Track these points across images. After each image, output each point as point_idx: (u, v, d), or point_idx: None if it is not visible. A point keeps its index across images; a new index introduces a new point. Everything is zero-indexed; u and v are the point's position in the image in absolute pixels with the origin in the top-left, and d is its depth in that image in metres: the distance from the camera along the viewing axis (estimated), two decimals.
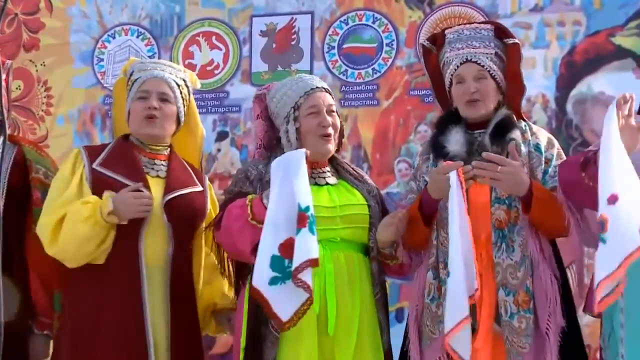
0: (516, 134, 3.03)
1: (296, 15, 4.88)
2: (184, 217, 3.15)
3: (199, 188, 3.26)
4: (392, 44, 4.78)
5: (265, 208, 2.81)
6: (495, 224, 2.95)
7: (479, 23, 3.24)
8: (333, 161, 3.16)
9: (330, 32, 4.86)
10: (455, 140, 3.06)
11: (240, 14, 4.97)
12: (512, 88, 3.14)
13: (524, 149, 3.02)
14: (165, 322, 3.09)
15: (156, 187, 3.15)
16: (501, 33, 3.15)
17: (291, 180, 2.78)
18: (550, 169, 3.00)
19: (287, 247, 2.73)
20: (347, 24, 4.86)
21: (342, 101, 4.76)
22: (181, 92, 3.26)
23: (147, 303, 3.03)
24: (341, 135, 3.19)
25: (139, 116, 3.20)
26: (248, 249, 2.86)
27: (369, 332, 2.96)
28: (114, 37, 5.17)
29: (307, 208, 2.73)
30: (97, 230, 2.99)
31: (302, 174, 2.79)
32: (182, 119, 3.29)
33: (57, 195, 3.10)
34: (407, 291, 3.76)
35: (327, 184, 3.07)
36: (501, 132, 3.02)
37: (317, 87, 3.10)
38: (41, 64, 5.19)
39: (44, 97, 5.16)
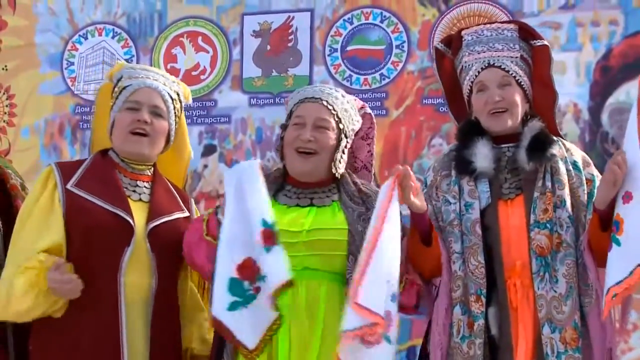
0: (556, 150, 3.02)
1: (294, 13, 4.89)
2: (169, 246, 3.13)
3: (185, 213, 3.25)
4: (403, 46, 4.78)
5: (219, 224, 2.89)
6: (536, 251, 2.91)
7: (501, 23, 3.24)
8: (338, 181, 3.13)
9: (332, 33, 4.86)
10: (483, 155, 3.03)
11: (230, 11, 4.99)
12: (541, 96, 3.13)
13: (562, 166, 3.00)
14: None
15: (139, 213, 3.13)
16: (526, 34, 3.15)
17: (247, 195, 2.82)
18: (595, 192, 2.97)
19: (246, 269, 2.75)
20: (351, 23, 4.85)
21: None
22: (174, 107, 3.25)
23: (126, 343, 3.01)
24: (332, 157, 3.09)
25: (125, 130, 3.17)
26: (205, 264, 2.96)
27: None
28: (86, 38, 5.18)
29: (274, 224, 2.77)
30: (41, 299, 2.99)
31: (260, 187, 2.82)
32: (172, 137, 3.29)
33: (20, 228, 3.10)
34: (419, 328, 3.71)
35: (311, 204, 3.06)
36: (539, 147, 3.01)
37: (314, 98, 3.10)
38: (3, 68, 5.20)
39: (6, 105, 5.16)
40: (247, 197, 2.82)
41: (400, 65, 4.72)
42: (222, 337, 2.87)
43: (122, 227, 3.04)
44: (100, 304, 3.00)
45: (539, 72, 3.13)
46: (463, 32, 3.17)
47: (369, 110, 3.23)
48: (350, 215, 3.02)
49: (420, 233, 3.00)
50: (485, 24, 3.31)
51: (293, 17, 4.85)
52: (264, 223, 2.77)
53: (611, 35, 4.49)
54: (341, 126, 3.09)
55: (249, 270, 2.74)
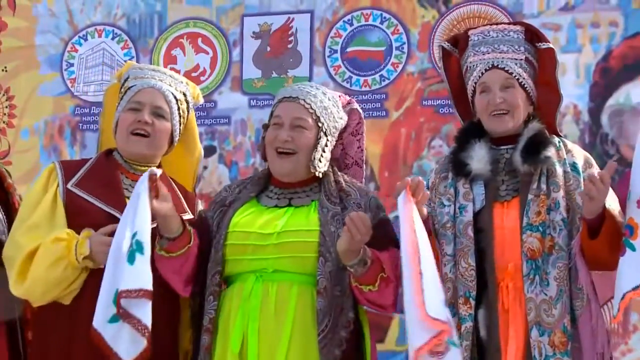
0: (551, 152, 3.01)
1: (294, 15, 4.87)
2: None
3: (189, 215, 3.20)
4: (403, 48, 4.76)
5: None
6: (527, 254, 2.91)
7: (507, 24, 3.23)
8: (323, 179, 3.10)
9: (332, 34, 4.85)
10: (479, 157, 3.03)
11: (230, 13, 4.97)
12: (545, 99, 3.12)
13: (559, 168, 2.99)
14: None
15: None
16: (533, 36, 3.13)
17: (135, 204, 2.84)
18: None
19: None
20: (351, 24, 4.84)
21: None
22: (179, 108, 3.24)
23: None
24: (310, 154, 3.07)
25: (126, 130, 3.17)
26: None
27: None
28: (86, 39, 5.14)
29: (135, 234, 2.77)
30: (69, 273, 2.99)
31: (142, 196, 2.83)
32: (176, 139, 3.27)
33: (26, 217, 3.09)
34: None
35: (289, 205, 3.04)
36: (534, 149, 3.00)
37: (291, 97, 3.09)
38: (3, 69, 5.18)
39: (6, 106, 5.14)
40: (133, 208, 2.83)
41: (400, 66, 4.71)
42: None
43: None
44: (93, 308, 2.93)
45: (544, 74, 3.12)
46: (470, 32, 3.17)
47: (355, 106, 3.22)
48: (323, 216, 3.00)
49: None
50: (492, 24, 3.31)
51: (293, 19, 4.84)
52: (133, 235, 2.78)
53: (611, 36, 4.47)
54: (320, 124, 3.07)
55: None
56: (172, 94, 3.21)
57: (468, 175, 3.00)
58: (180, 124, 3.25)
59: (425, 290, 2.68)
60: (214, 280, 2.95)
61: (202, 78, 4.92)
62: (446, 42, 3.24)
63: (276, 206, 3.03)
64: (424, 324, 2.65)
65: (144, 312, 2.71)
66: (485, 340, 2.91)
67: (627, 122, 4.41)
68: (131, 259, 2.74)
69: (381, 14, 4.77)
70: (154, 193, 2.87)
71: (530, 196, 2.93)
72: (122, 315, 2.70)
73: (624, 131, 4.41)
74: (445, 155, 3.23)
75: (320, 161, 3.07)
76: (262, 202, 3.05)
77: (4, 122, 5.09)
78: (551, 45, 3.11)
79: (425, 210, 2.88)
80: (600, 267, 2.91)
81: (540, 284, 2.87)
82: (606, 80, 4.45)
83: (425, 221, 2.91)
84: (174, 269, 2.94)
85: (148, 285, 2.73)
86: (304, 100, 3.07)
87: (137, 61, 4.93)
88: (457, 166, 3.04)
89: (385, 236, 3.01)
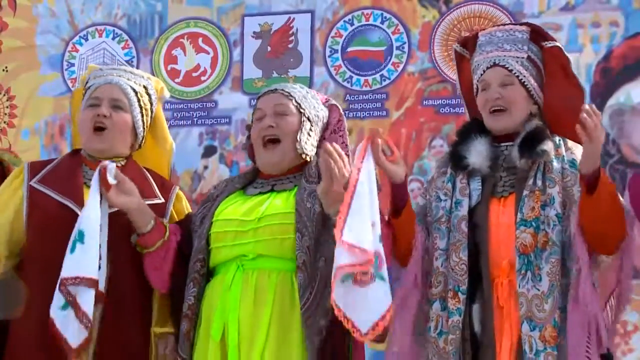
0: (548, 146, 2.98)
1: (294, 15, 4.87)
2: (125, 234, 3.07)
3: (158, 200, 3.20)
4: (403, 47, 4.76)
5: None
6: (519, 249, 2.90)
7: (514, 24, 3.23)
8: (306, 166, 3.11)
9: (332, 34, 4.85)
10: (477, 152, 3.02)
11: (231, 13, 4.96)
12: (567, 95, 3.07)
13: (556, 164, 2.96)
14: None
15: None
16: (538, 36, 3.12)
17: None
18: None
19: None
20: (352, 24, 4.84)
21: (347, 112, 4.67)
22: (139, 100, 3.23)
23: None
24: (296, 140, 3.07)
25: (87, 126, 3.17)
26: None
27: (281, 349, 2.91)
28: (86, 39, 5.15)
29: (79, 225, 2.89)
30: None
31: (92, 189, 2.94)
32: (140, 131, 3.26)
33: None
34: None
35: (271, 190, 3.05)
36: (531, 144, 2.99)
37: (270, 91, 3.10)
38: (3, 70, 5.17)
39: (7, 106, 5.13)
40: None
41: (401, 66, 4.71)
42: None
43: (70, 217, 3.01)
44: (47, 297, 2.94)
45: (555, 72, 3.09)
46: (479, 34, 3.16)
47: (334, 102, 3.22)
48: (299, 196, 3.00)
49: (392, 203, 2.99)
50: (500, 25, 3.28)
51: (293, 19, 4.84)
52: (78, 225, 2.88)
53: (611, 36, 4.47)
54: (302, 110, 3.07)
55: None
56: (131, 87, 3.21)
57: (465, 168, 3.00)
58: (143, 116, 3.25)
59: (349, 219, 2.71)
60: (194, 267, 2.96)
61: (202, 78, 4.93)
62: (457, 45, 3.24)
63: (259, 193, 3.04)
64: (343, 249, 2.69)
65: (86, 299, 2.82)
66: (480, 335, 2.91)
67: (627, 121, 4.41)
68: (73, 248, 2.85)
69: (382, 14, 4.77)
70: (104, 184, 2.93)
71: (525, 192, 2.92)
72: (69, 302, 2.81)
73: (624, 131, 4.40)
74: (445, 153, 3.22)
75: (307, 143, 3.07)
76: (248, 193, 3.06)
77: (4, 122, 5.08)
78: (557, 43, 3.11)
79: (399, 170, 2.93)
80: (600, 243, 2.86)
81: (532, 279, 2.87)
82: (607, 80, 4.45)
83: (403, 189, 2.98)
84: (154, 265, 2.99)
85: (87, 272, 2.83)
86: (282, 90, 3.09)
87: (138, 61, 4.99)
88: (455, 159, 3.05)
89: None
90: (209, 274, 3.01)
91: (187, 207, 3.30)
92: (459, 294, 2.90)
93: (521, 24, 3.22)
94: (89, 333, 2.84)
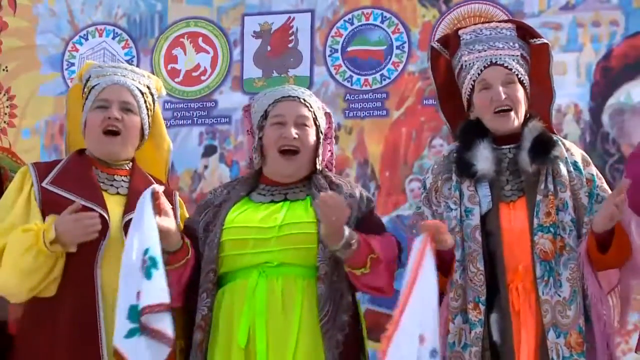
0: (559, 151, 3.00)
1: (294, 14, 4.85)
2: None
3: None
4: (403, 47, 4.75)
5: None
6: (540, 255, 2.91)
7: (498, 22, 3.24)
8: (311, 178, 3.13)
9: (332, 33, 4.84)
10: (483, 157, 3.01)
11: (231, 12, 4.95)
12: (538, 95, 3.11)
13: (563, 168, 2.98)
14: None
15: (115, 206, 3.12)
16: (525, 33, 3.13)
17: (140, 221, 2.88)
18: (595, 192, 2.96)
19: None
20: (352, 23, 4.83)
21: (347, 111, 4.73)
22: (145, 101, 3.25)
23: (104, 337, 2.98)
24: (316, 154, 3.12)
25: (97, 129, 3.17)
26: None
27: (311, 355, 2.92)
28: (86, 39, 5.13)
29: (147, 250, 2.82)
30: (41, 261, 2.97)
31: (147, 213, 2.88)
32: (147, 132, 3.28)
33: (1, 219, 3.08)
34: None
35: (285, 199, 3.06)
36: (542, 149, 2.99)
37: (290, 96, 3.09)
38: (3, 69, 5.15)
39: (7, 106, 5.12)
40: (142, 224, 2.88)
41: (401, 65, 4.70)
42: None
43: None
44: (78, 298, 3.00)
45: (538, 70, 3.11)
46: (460, 32, 3.16)
47: (327, 110, 3.24)
48: (318, 208, 2.99)
49: (442, 263, 2.89)
50: (482, 22, 3.30)
51: (293, 18, 4.82)
52: (145, 251, 2.83)
53: (612, 35, 4.46)
54: (317, 123, 3.11)
55: None
56: (137, 87, 3.22)
57: (473, 175, 2.99)
58: (148, 117, 3.26)
59: (393, 341, 2.67)
60: (207, 278, 2.97)
61: (202, 78, 4.92)
62: (436, 42, 3.23)
63: (272, 201, 3.04)
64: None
65: (165, 323, 2.77)
66: (499, 345, 2.91)
67: (628, 121, 4.40)
68: (148, 274, 2.80)
69: (382, 13, 4.76)
70: (158, 209, 2.91)
71: (539, 197, 2.93)
72: (143, 329, 2.75)
73: (624, 130, 4.40)
74: (444, 155, 3.19)
75: (320, 157, 3.12)
76: (255, 200, 3.06)
77: (4, 122, 5.07)
78: (545, 41, 3.12)
79: (451, 239, 2.87)
80: (605, 269, 2.96)
81: (554, 286, 2.89)
82: (607, 79, 4.44)
83: (451, 251, 2.91)
84: (172, 281, 2.95)
85: (167, 298, 2.79)
86: (304, 99, 3.10)
87: (138, 61, 4.97)
88: (463, 167, 3.03)
89: (376, 224, 3.08)
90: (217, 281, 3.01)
91: (186, 214, 3.32)
92: (480, 305, 2.90)
93: (505, 21, 3.24)
94: (171, 349, 2.80)
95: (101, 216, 3.03)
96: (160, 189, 2.95)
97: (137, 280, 2.80)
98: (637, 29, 4.45)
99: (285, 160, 3.05)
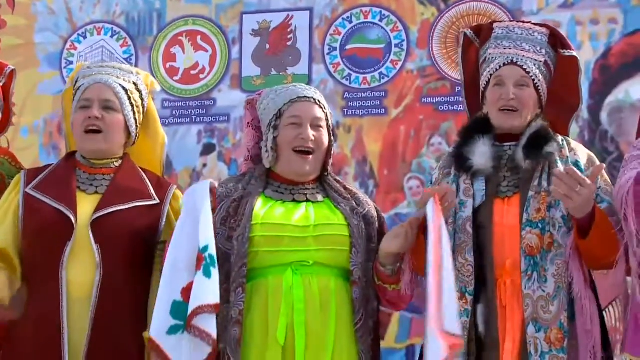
0: (553, 148, 2.99)
1: (293, 12, 4.88)
2: (119, 237, 3.06)
3: (152, 202, 3.18)
4: (402, 45, 4.77)
5: None
6: (525, 250, 2.89)
7: (534, 24, 3.17)
8: (321, 179, 3.15)
9: (331, 32, 4.85)
10: (481, 153, 3.02)
11: (229, 10, 4.97)
12: (563, 103, 3.12)
13: (560, 166, 2.96)
14: None
15: (87, 205, 3.09)
16: (557, 41, 3.12)
17: (195, 216, 2.82)
18: (595, 193, 2.90)
19: (189, 292, 2.75)
20: (350, 22, 4.84)
21: (345, 110, 4.75)
22: (130, 98, 3.22)
23: (67, 341, 2.97)
24: (328, 156, 3.12)
25: (79, 129, 3.17)
26: None
27: (348, 356, 2.92)
28: (85, 37, 5.15)
29: (205, 248, 2.77)
30: None
31: (205, 209, 2.83)
32: (133, 129, 3.25)
33: None
34: (419, 327, 3.67)
35: (307, 200, 3.04)
36: (536, 145, 2.99)
37: (305, 97, 3.07)
38: None
39: None
40: (196, 217, 2.81)
41: (400, 64, 4.71)
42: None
43: (63, 222, 3.02)
44: (43, 301, 2.99)
45: (566, 80, 3.10)
46: (495, 25, 3.15)
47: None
48: (345, 211, 3.02)
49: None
50: (518, 21, 3.28)
51: (292, 16, 4.84)
52: (198, 247, 2.77)
53: (610, 33, 4.48)
54: (329, 124, 3.10)
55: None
56: (120, 85, 3.19)
57: (469, 170, 3.00)
58: (135, 114, 3.23)
59: (444, 305, 2.71)
60: (241, 273, 2.91)
61: (201, 76, 4.93)
62: (469, 30, 3.21)
63: (294, 200, 3.04)
64: (442, 339, 2.68)
65: (211, 324, 2.73)
66: (484, 336, 2.91)
67: (626, 119, 4.41)
68: (208, 273, 2.75)
69: (380, 12, 4.77)
70: (213, 205, 2.89)
71: (530, 193, 2.93)
72: (189, 328, 2.71)
73: (623, 128, 4.41)
74: (449, 150, 3.20)
75: (330, 160, 3.13)
76: (274, 197, 3.04)
77: None
78: (574, 54, 3.10)
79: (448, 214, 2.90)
80: (597, 266, 2.91)
81: (538, 281, 2.87)
82: (605, 77, 4.46)
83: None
84: None
85: (218, 298, 2.75)
86: (318, 100, 3.09)
87: (137, 59, 4.98)
88: (459, 161, 3.04)
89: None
90: None
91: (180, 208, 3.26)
92: (467, 295, 2.91)
93: (541, 25, 3.19)
94: (212, 349, 2.75)
95: (67, 217, 3.03)
96: (215, 183, 2.93)
97: (183, 276, 2.76)
98: (636, 27, 4.48)
99: (301, 159, 3.03)
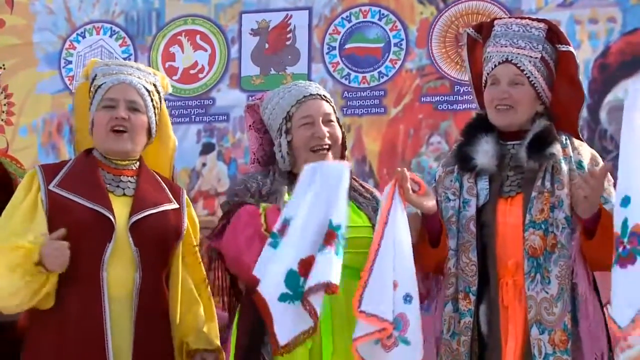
0: (556, 149, 3.00)
1: (292, 12, 4.86)
2: (154, 239, 3.13)
3: (174, 205, 3.24)
4: (401, 44, 4.75)
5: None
6: (528, 251, 2.93)
7: (531, 20, 3.20)
8: None
9: (330, 31, 4.84)
10: (484, 152, 3.05)
11: (228, 10, 4.94)
12: (568, 98, 3.12)
13: (564, 166, 2.99)
14: None
15: (122, 208, 3.13)
16: (554, 36, 3.13)
17: (327, 194, 2.79)
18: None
19: (307, 265, 2.73)
20: (349, 21, 4.83)
21: (345, 109, 4.72)
22: (152, 100, 3.25)
23: (110, 339, 3.01)
24: (343, 148, 3.16)
25: (104, 128, 3.18)
26: (253, 264, 2.80)
27: None
28: (84, 37, 5.14)
29: (339, 227, 2.74)
30: (27, 280, 2.96)
31: (342, 190, 2.79)
32: (154, 131, 3.29)
33: (4, 223, 3.08)
34: (426, 324, 3.66)
35: None
36: (539, 145, 3.00)
37: (311, 95, 3.09)
38: (1, 67, 5.16)
39: (4, 104, 5.12)
40: (328, 195, 2.79)
41: (399, 63, 4.70)
42: (254, 334, 2.90)
43: (103, 223, 3.06)
44: (85, 300, 3.02)
45: (566, 75, 3.11)
46: (495, 22, 3.17)
47: None
48: (368, 212, 3.06)
49: (429, 234, 3.01)
50: (517, 17, 3.31)
51: (291, 15, 4.83)
52: (330, 223, 2.75)
53: (609, 32, 4.46)
54: (338, 118, 3.14)
55: (309, 268, 2.72)
56: (144, 86, 3.22)
57: (473, 169, 3.02)
58: (155, 115, 3.26)
59: (367, 286, 2.74)
60: None
61: (200, 75, 4.92)
62: (470, 29, 3.24)
63: None
64: (358, 319, 2.73)
65: (320, 301, 2.74)
66: (486, 336, 2.94)
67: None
68: (338, 252, 2.74)
69: (379, 11, 4.76)
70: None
71: (533, 193, 2.95)
72: (302, 299, 2.72)
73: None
74: (453, 148, 3.23)
75: (347, 152, 3.16)
76: None
77: (2, 119, 5.08)
78: (570, 49, 3.11)
79: (430, 203, 2.93)
80: (601, 267, 2.90)
81: (541, 282, 2.90)
82: (604, 76, 4.44)
83: (436, 219, 2.97)
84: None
85: (339, 280, 2.73)
86: (324, 96, 3.12)
87: (136, 59, 4.96)
88: (463, 160, 3.07)
89: None
90: None
91: (193, 213, 3.34)
92: (470, 295, 2.93)
93: (539, 20, 3.21)
94: (314, 325, 2.76)
95: (107, 218, 3.05)
96: (349, 167, 2.90)
97: (306, 248, 2.75)
98: (635, 26, 4.46)
99: (320, 157, 3.05)
